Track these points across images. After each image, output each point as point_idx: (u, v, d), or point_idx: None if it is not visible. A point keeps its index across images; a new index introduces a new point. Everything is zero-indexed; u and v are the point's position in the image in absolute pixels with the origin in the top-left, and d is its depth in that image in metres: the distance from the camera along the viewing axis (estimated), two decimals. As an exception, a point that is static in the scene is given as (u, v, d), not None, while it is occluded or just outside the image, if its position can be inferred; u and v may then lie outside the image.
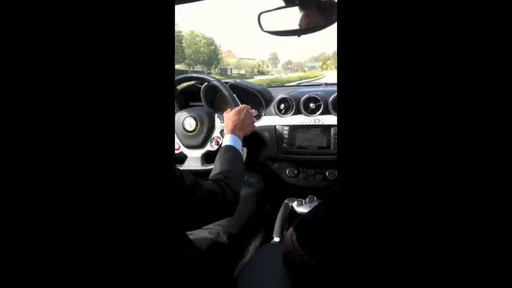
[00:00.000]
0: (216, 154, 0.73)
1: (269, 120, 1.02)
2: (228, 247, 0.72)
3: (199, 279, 0.58)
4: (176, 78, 1.01)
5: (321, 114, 0.96)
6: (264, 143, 1.03)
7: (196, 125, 0.95)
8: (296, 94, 1.02)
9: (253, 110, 0.89)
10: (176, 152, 0.97)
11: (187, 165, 0.96)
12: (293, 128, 0.99)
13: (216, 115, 0.97)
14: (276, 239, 0.88)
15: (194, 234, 0.70)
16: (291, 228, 0.44)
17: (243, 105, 0.86)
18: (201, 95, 1.07)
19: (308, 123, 0.97)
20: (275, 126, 1.00)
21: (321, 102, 0.96)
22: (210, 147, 0.95)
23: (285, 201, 0.98)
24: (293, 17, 0.64)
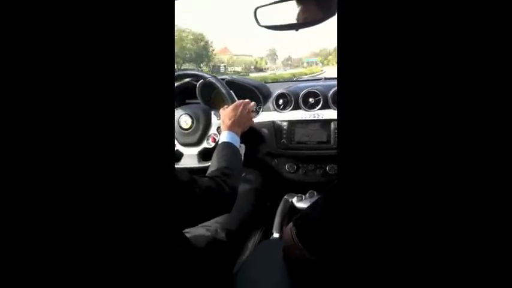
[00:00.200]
0: (213, 151, 0.73)
1: (267, 116, 1.01)
2: (227, 244, 0.72)
3: (197, 276, 0.58)
4: None
5: (321, 108, 0.95)
6: (262, 139, 1.02)
7: (192, 122, 0.95)
8: (295, 89, 1.01)
9: (253, 103, 0.88)
10: None
11: (183, 163, 0.95)
12: (292, 123, 0.98)
13: (212, 112, 0.97)
14: (276, 235, 0.87)
15: (192, 232, 0.70)
16: (291, 224, 0.44)
17: (240, 101, 0.86)
18: (197, 92, 1.07)
19: (307, 118, 0.96)
20: (273, 121, 0.99)
21: (321, 97, 0.95)
22: (207, 144, 0.95)
23: (285, 196, 0.98)
24: (290, 11, 0.63)
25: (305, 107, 0.96)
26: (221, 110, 0.86)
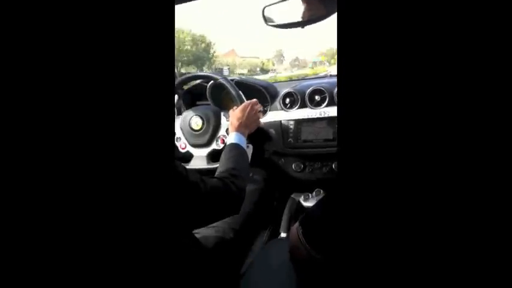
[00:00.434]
0: (222, 152, 0.73)
1: (274, 115, 1.01)
2: (235, 244, 0.72)
3: (206, 276, 0.58)
4: (182, 78, 1.02)
5: (327, 106, 0.94)
6: (269, 139, 1.02)
7: (203, 123, 0.96)
8: (301, 87, 1.01)
9: (259, 105, 0.89)
10: (182, 151, 0.98)
11: (193, 164, 0.96)
12: (298, 122, 0.97)
13: (222, 113, 0.97)
14: (283, 235, 0.87)
15: (201, 233, 0.70)
16: (297, 223, 0.44)
17: (247, 102, 0.86)
18: (207, 94, 1.07)
19: (313, 116, 0.95)
20: (280, 121, 0.99)
21: (326, 94, 0.94)
22: (216, 145, 0.95)
23: (292, 196, 0.97)
24: (296, 8, 0.64)
25: (311, 104, 0.96)
26: (230, 111, 0.87)
